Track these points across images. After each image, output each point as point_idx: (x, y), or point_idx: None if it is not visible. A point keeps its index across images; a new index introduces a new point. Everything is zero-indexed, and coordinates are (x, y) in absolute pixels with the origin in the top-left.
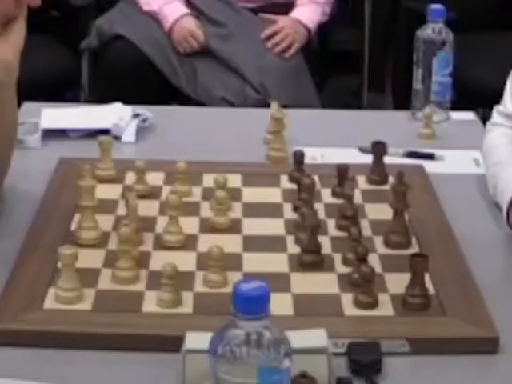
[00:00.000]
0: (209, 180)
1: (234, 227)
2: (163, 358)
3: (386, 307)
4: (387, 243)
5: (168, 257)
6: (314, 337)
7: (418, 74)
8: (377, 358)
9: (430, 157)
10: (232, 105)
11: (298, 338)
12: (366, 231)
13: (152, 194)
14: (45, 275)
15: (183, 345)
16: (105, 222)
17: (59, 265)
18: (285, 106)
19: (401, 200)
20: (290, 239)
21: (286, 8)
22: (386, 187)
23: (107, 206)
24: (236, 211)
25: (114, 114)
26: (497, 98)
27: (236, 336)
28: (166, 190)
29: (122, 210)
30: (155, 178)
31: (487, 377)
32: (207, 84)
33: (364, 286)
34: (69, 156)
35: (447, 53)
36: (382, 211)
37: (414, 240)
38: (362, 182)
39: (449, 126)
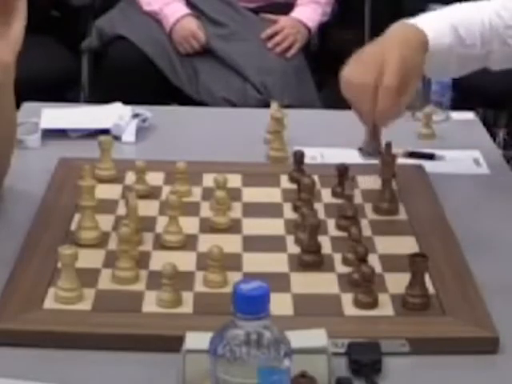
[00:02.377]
0: (209, 180)
1: (233, 227)
2: (163, 358)
3: (386, 307)
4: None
5: (168, 257)
6: (313, 337)
7: None
8: (377, 358)
9: (430, 157)
10: (233, 105)
11: (298, 338)
12: (366, 231)
13: (152, 194)
14: (45, 275)
15: (183, 345)
16: (105, 222)
17: (59, 265)
18: (287, 106)
19: (390, 170)
20: (290, 239)
21: (287, 8)
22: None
23: (107, 206)
24: (236, 211)
25: (114, 114)
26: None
27: (236, 336)
28: (165, 189)
29: (122, 210)
30: (155, 178)
31: (487, 377)
32: (208, 84)
33: (364, 286)
34: (69, 156)
35: None
36: None
37: (413, 239)
38: (362, 182)
39: (449, 126)
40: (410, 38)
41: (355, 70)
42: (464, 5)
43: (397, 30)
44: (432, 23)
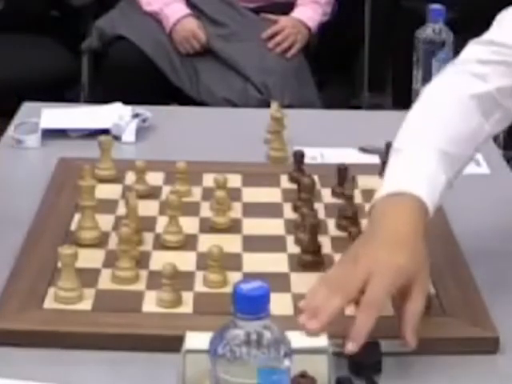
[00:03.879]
0: (209, 180)
1: (233, 227)
2: (163, 358)
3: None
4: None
5: (168, 257)
6: (313, 339)
7: (417, 74)
8: (377, 358)
9: None
10: (234, 105)
11: (299, 339)
12: None
13: (152, 194)
14: (45, 275)
15: (183, 345)
16: (105, 222)
17: (59, 265)
18: (287, 106)
19: None
20: (290, 239)
21: (287, 8)
22: None
23: (107, 206)
24: (236, 211)
25: (114, 114)
26: None
27: (236, 336)
28: (165, 189)
29: (121, 210)
30: (155, 178)
31: (487, 377)
32: (209, 84)
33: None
34: (69, 156)
35: (447, 53)
36: None
37: None
38: (362, 182)
39: None
40: (405, 231)
41: (340, 269)
42: (445, 105)
43: (387, 216)
44: (423, 182)
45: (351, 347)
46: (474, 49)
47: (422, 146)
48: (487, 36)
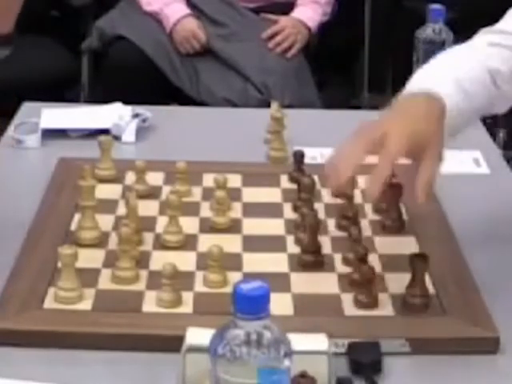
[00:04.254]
0: (209, 180)
1: (233, 227)
2: (163, 358)
3: (386, 307)
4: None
5: (168, 257)
6: (314, 341)
7: None
8: (377, 358)
9: None
10: (234, 105)
11: (299, 342)
12: (366, 231)
13: (152, 194)
14: (45, 275)
15: (184, 340)
16: (105, 222)
17: (59, 265)
18: (287, 106)
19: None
20: (290, 239)
21: (287, 8)
22: None
23: (107, 206)
24: (236, 211)
25: (114, 114)
26: None
27: (236, 336)
28: (166, 189)
29: (121, 210)
30: (155, 178)
31: (487, 377)
32: (209, 85)
33: (364, 285)
34: (69, 156)
35: None
36: None
37: (413, 239)
38: (362, 182)
39: None
40: (424, 111)
41: (355, 136)
42: (466, 59)
43: (408, 101)
44: (443, 94)
45: (371, 189)
46: (484, 35)
47: (439, 78)
48: (496, 26)
